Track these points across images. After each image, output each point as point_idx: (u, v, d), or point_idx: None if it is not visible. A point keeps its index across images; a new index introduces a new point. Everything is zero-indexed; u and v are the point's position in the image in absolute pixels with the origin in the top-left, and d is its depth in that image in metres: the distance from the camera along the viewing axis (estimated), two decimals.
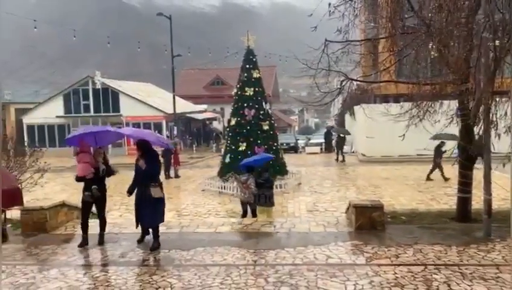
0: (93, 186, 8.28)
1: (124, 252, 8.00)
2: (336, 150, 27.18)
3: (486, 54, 7.04)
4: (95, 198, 8.35)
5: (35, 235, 9.29)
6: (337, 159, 26.12)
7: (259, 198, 10.30)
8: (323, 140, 34.07)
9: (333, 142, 29.99)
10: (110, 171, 8.61)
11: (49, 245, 8.52)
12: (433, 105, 9.41)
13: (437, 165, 17.23)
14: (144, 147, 8.06)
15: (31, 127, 36.44)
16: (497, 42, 6.91)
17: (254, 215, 10.55)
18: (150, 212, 8.08)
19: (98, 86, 35.06)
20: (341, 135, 27.56)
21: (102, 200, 8.59)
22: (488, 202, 8.29)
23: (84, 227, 8.39)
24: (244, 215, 10.69)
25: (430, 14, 7.86)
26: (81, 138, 8.37)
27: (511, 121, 7.24)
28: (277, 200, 14.15)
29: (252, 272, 6.79)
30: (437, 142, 16.49)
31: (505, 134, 7.26)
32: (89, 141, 8.44)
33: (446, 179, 16.58)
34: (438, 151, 17.08)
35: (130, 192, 8.35)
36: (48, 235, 9.23)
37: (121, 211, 13.31)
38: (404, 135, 9.16)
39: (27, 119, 36.46)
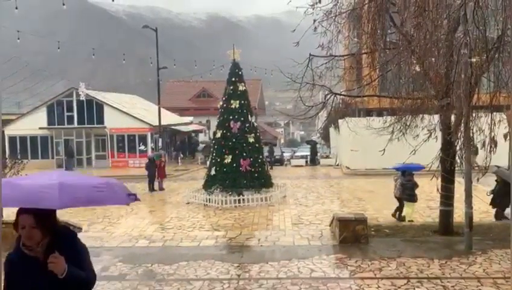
0: None
1: (105, 266, 7.87)
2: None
3: (465, 70, 7.22)
4: None
5: None
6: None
7: (403, 194, 12.12)
8: (308, 153, 34.68)
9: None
10: None
11: None
12: (414, 119, 9.55)
13: None
14: (46, 223, 3.16)
15: (13, 139, 35.84)
16: (473, 59, 7.08)
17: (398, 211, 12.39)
18: None
19: (82, 98, 34.70)
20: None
21: None
22: (469, 215, 8.40)
23: None
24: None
25: (411, 30, 8.03)
26: None
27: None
28: (262, 213, 14.17)
29: (236, 287, 6.74)
30: None
31: (481, 149, 7.38)
32: None
33: None
34: None
35: None
36: None
37: (103, 224, 13.10)
38: (384, 149, 9.23)
39: (9, 131, 35.85)
